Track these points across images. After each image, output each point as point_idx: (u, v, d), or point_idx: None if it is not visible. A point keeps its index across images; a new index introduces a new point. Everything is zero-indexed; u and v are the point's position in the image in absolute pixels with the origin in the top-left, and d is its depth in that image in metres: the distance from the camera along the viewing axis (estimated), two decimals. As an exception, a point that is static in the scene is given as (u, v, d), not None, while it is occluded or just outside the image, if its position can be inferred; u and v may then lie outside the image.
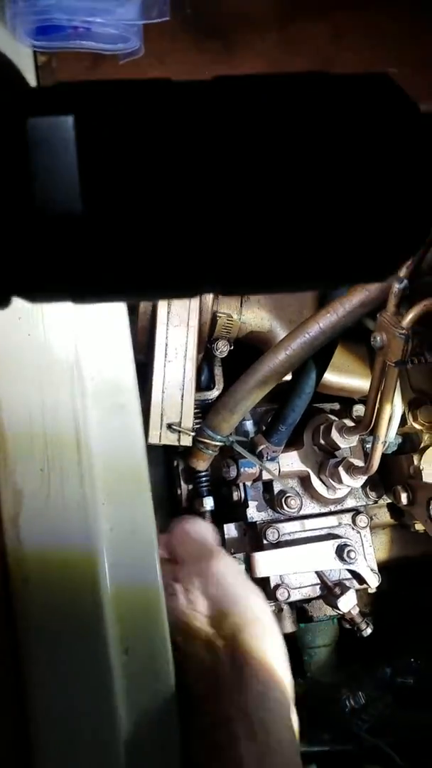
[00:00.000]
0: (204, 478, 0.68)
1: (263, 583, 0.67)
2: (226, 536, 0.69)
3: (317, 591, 0.69)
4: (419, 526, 0.70)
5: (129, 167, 0.19)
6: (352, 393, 0.66)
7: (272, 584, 0.67)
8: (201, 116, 0.19)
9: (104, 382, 0.42)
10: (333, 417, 0.67)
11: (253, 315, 0.63)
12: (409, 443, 0.67)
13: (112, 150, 0.18)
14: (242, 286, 0.21)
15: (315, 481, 0.67)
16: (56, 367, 0.41)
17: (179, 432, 0.54)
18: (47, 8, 0.35)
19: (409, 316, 0.45)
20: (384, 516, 0.76)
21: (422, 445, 0.65)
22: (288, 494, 0.67)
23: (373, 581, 0.69)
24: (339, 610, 0.68)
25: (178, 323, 0.54)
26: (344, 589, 0.67)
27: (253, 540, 0.69)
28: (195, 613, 0.42)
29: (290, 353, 0.52)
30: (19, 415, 0.40)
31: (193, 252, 0.19)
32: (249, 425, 0.68)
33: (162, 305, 0.54)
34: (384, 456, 0.61)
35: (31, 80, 0.45)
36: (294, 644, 0.77)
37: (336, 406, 0.71)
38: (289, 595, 0.67)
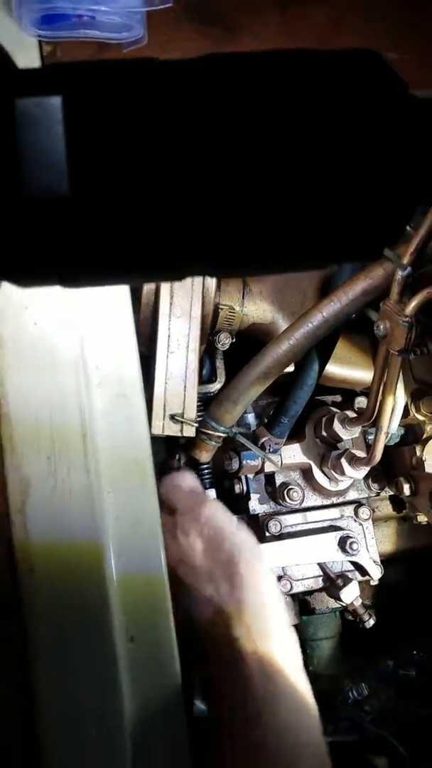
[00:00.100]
0: (206, 470, 0.68)
1: (266, 576, 0.67)
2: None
3: (320, 583, 0.69)
4: (421, 518, 0.70)
5: (117, 147, 0.18)
6: (354, 385, 0.66)
7: (275, 576, 0.67)
8: (188, 94, 0.19)
9: (109, 373, 0.42)
10: (335, 409, 0.67)
11: (255, 307, 0.63)
12: (412, 434, 0.67)
13: (100, 130, 0.18)
14: (230, 266, 0.21)
15: (317, 473, 0.67)
16: (62, 358, 0.41)
17: (182, 423, 0.54)
18: (52, -4, 0.35)
19: (413, 304, 0.46)
20: (386, 508, 0.76)
21: (425, 436, 0.65)
22: (290, 486, 0.67)
23: (376, 573, 0.69)
24: (342, 601, 0.68)
25: (180, 314, 0.54)
26: (347, 580, 0.68)
27: (255, 533, 0.69)
28: (194, 552, 0.48)
29: (293, 343, 0.52)
30: (26, 405, 0.40)
31: (181, 232, 0.19)
32: (251, 418, 0.68)
33: (164, 296, 0.54)
34: (386, 447, 0.61)
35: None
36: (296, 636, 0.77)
37: (338, 398, 0.71)
38: (291, 586, 0.67)
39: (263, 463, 0.65)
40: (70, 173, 0.18)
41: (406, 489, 0.65)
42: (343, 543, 0.68)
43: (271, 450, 0.64)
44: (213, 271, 0.22)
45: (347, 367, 0.64)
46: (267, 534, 0.67)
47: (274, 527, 0.67)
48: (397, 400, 0.57)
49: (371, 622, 0.70)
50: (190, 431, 0.55)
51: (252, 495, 0.68)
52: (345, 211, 0.20)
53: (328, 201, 0.19)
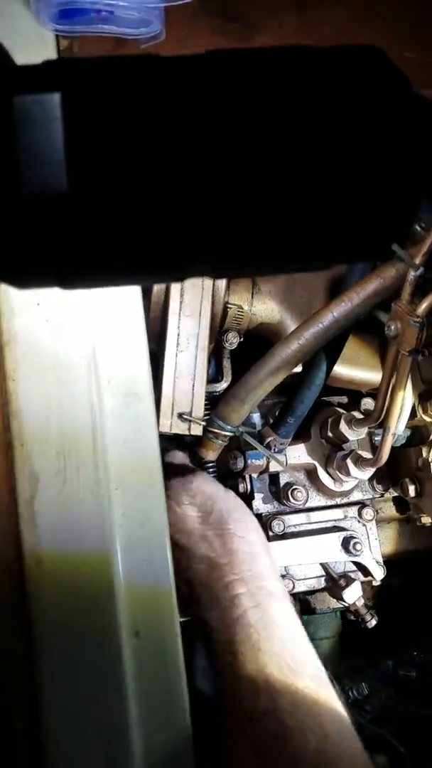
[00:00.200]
0: (211, 469, 0.68)
1: (269, 574, 0.67)
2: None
3: (322, 583, 0.69)
4: (425, 519, 0.70)
5: (116, 144, 0.18)
6: (361, 386, 0.66)
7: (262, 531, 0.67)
8: (189, 90, 0.19)
9: (119, 370, 0.42)
10: (341, 410, 0.67)
11: (263, 306, 0.63)
12: (418, 436, 0.67)
13: (99, 127, 0.18)
14: (233, 266, 0.21)
15: (322, 474, 0.67)
16: (73, 355, 0.41)
17: (190, 421, 0.54)
18: (71, -10, 0.35)
19: (424, 305, 0.45)
20: (389, 510, 0.76)
21: (431, 437, 0.65)
22: (295, 486, 0.67)
23: (379, 573, 0.69)
24: (344, 601, 0.68)
25: (190, 313, 0.54)
26: (349, 581, 0.68)
27: (258, 532, 0.69)
28: (188, 519, 0.52)
29: (303, 343, 0.52)
30: (37, 401, 0.40)
31: (182, 231, 0.19)
32: (256, 417, 0.68)
33: (175, 295, 0.54)
34: (392, 449, 0.61)
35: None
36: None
37: (344, 399, 0.71)
38: (294, 586, 0.67)
39: (268, 463, 0.65)
40: (69, 170, 0.18)
41: (412, 490, 0.65)
42: (346, 543, 0.68)
43: (276, 450, 0.64)
44: (215, 271, 0.21)
45: (355, 368, 0.64)
46: (270, 534, 0.67)
47: (277, 527, 0.67)
48: (404, 401, 0.57)
49: (373, 622, 0.70)
50: (197, 430, 0.55)
51: (256, 494, 0.68)
52: (348, 210, 0.19)
53: (331, 199, 0.19)
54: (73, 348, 0.41)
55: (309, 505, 0.69)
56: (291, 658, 0.44)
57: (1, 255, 0.19)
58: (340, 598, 0.68)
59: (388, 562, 0.73)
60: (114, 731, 0.41)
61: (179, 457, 0.59)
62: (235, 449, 0.65)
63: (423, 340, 0.47)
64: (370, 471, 0.64)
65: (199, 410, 0.54)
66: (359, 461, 0.63)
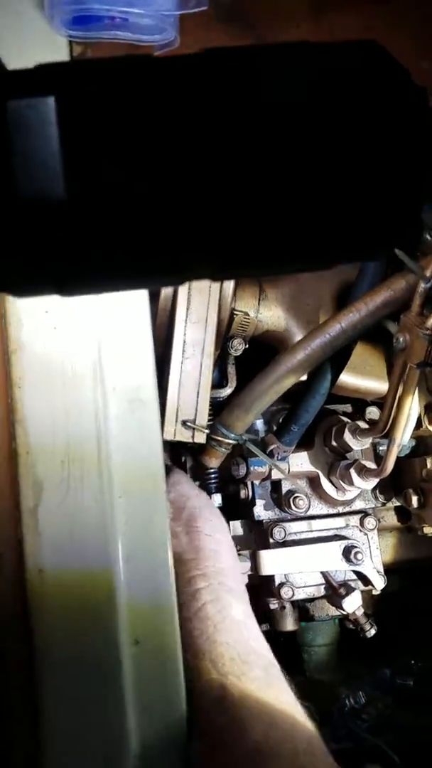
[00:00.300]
0: (212, 475, 0.68)
1: (268, 581, 0.67)
2: (231, 534, 0.69)
3: (322, 591, 0.69)
4: (427, 530, 0.70)
5: (113, 147, 0.18)
6: (366, 395, 0.66)
7: (276, 582, 0.67)
8: (186, 90, 0.18)
9: (125, 378, 0.42)
10: (345, 419, 0.67)
11: (270, 313, 0.62)
12: (423, 446, 0.67)
13: (94, 130, 0.18)
14: (233, 267, 0.20)
15: (324, 482, 0.67)
16: (79, 362, 0.40)
17: (194, 429, 0.54)
18: (86, -3, 0.35)
19: (434, 319, 0.45)
20: (391, 519, 0.76)
21: (435, 449, 0.65)
22: (296, 494, 0.67)
23: (379, 583, 0.69)
24: (344, 610, 0.68)
25: (196, 320, 0.54)
26: (349, 589, 0.68)
27: (259, 538, 0.69)
28: None
29: (309, 353, 0.51)
30: (42, 408, 0.39)
31: (181, 234, 0.19)
32: (259, 424, 0.68)
33: (181, 302, 0.54)
34: (396, 458, 0.61)
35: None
36: (294, 642, 0.78)
37: (348, 408, 0.71)
38: (293, 593, 0.67)
39: (270, 470, 0.65)
40: (66, 175, 0.18)
41: (415, 501, 0.65)
42: (347, 552, 0.67)
43: (279, 457, 0.64)
44: (216, 272, 0.21)
45: (361, 377, 0.64)
46: (271, 540, 0.67)
47: (278, 534, 0.67)
48: (411, 412, 0.57)
49: (372, 632, 0.70)
50: (201, 437, 0.55)
51: (257, 501, 0.68)
52: (350, 207, 0.19)
53: (333, 196, 0.19)
54: (79, 355, 0.41)
55: (311, 513, 0.69)
56: (244, 651, 0.45)
57: None
58: (339, 607, 0.68)
59: (388, 570, 0.73)
60: (112, 737, 0.41)
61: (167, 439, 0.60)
62: (238, 456, 0.65)
63: (431, 353, 0.46)
64: (374, 481, 0.63)
65: (203, 418, 0.54)
66: (363, 471, 0.62)
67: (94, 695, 0.41)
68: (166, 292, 0.54)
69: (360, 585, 0.69)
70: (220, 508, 0.70)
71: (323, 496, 0.68)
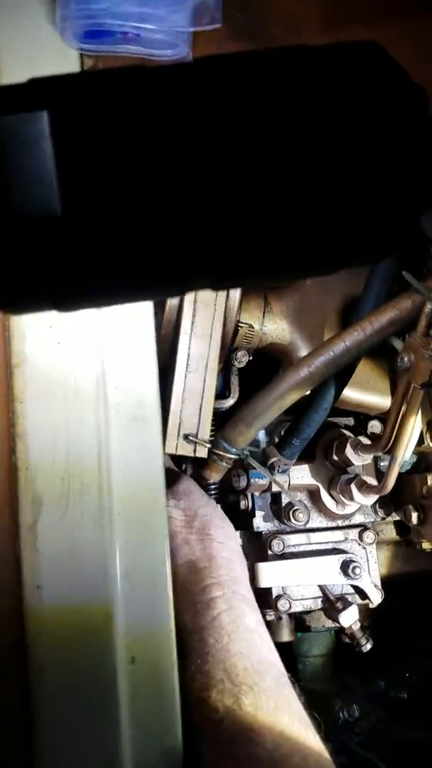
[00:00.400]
0: (212, 485, 0.67)
1: (265, 593, 0.67)
2: (234, 543, 0.69)
3: (318, 604, 0.69)
4: (426, 545, 0.69)
5: (109, 160, 0.18)
6: (369, 410, 0.66)
7: (274, 595, 0.67)
8: (181, 100, 0.18)
9: (128, 394, 0.42)
10: (347, 432, 0.66)
11: (274, 326, 0.62)
12: (424, 462, 0.66)
13: (90, 144, 0.18)
14: (232, 278, 0.20)
15: (324, 496, 0.67)
16: (82, 377, 0.40)
17: (195, 443, 0.53)
18: (98, 13, 0.34)
19: (441, 342, 0.45)
20: (390, 532, 0.76)
21: (437, 466, 0.64)
22: (296, 507, 0.67)
23: (376, 597, 0.69)
24: (340, 624, 0.67)
25: (201, 334, 0.54)
26: (346, 604, 0.67)
27: (257, 550, 0.69)
28: (171, 519, 0.53)
29: (313, 370, 0.51)
30: (44, 423, 0.39)
31: (181, 245, 0.18)
32: (261, 435, 0.67)
33: (187, 315, 0.53)
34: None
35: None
36: (290, 652, 0.77)
37: (350, 421, 0.71)
38: (290, 606, 0.67)
39: (271, 483, 0.65)
40: (61, 190, 0.17)
41: (414, 518, 0.65)
42: (345, 567, 0.67)
43: (280, 470, 0.64)
44: (216, 283, 0.21)
45: (364, 392, 0.63)
46: (269, 552, 0.67)
47: (277, 546, 0.67)
48: (413, 430, 0.56)
49: (368, 646, 0.70)
50: (202, 452, 0.54)
51: (257, 512, 0.68)
52: (349, 209, 0.19)
53: (336, 201, 0.19)
54: (82, 370, 0.41)
55: (310, 525, 0.68)
56: (257, 660, 0.45)
57: None
58: (336, 621, 0.68)
59: (385, 582, 0.73)
60: (107, 755, 0.41)
61: (166, 460, 0.61)
62: (239, 467, 0.65)
63: (436, 375, 0.46)
64: (374, 498, 0.63)
65: (206, 432, 0.54)
66: (363, 487, 0.62)
67: (90, 713, 0.41)
68: (171, 303, 0.54)
69: (357, 599, 0.69)
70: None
71: (323, 510, 0.68)
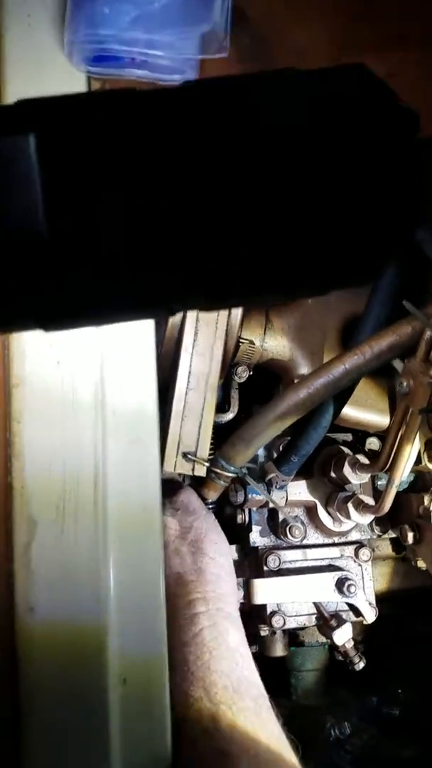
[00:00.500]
0: (210, 504, 0.67)
1: (260, 609, 0.67)
2: (227, 558, 0.69)
3: (313, 620, 0.69)
4: (421, 564, 0.69)
5: (95, 184, 0.18)
6: (368, 428, 0.66)
7: (268, 611, 0.67)
8: (169, 124, 0.18)
9: (126, 416, 0.42)
10: (345, 449, 0.66)
11: (275, 343, 0.62)
12: (421, 482, 0.66)
13: (76, 169, 0.18)
14: (222, 299, 0.20)
15: (321, 513, 0.67)
16: (81, 398, 0.40)
17: (194, 462, 0.53)
18: (106, 38, 0.34)
19: (440, 369, 0.45)
20: (386, 548, 0.76)
21: (434, 487, 0.64)
22: (293, 523, 0.66)
23: (370, 615, 0.69)
24: (334, 642, 0.67)
25: (202, 351, 0.54)
26: (341, 621, 0.67)
27: (253, 565, 0.69)
28: (166, 528, 0.54)
29: (312, 392, 0.51)
30: (40, 445, 0.39)
31: (169, 267, 0.18)
32: (260, 450, 0.67)
33: (188, 332, 0.53)
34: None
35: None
36: (283, 666, 0.77)
37: (348, 437, 0.71)
38: (284, 622, 0.67)
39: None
40: (47, 213, 0.17)
41: (410, 537, 0.65)
42: (340, 584, 0.67)
43: (278, 486, 0.64)
44: (207, 304, 0.21)
45: (363, 410, 0.63)
46: (265, 568, 0.67)
47: (272, 562, 0.67)
48: (411, 451, 0.56)
49: (361, 665, 0.70)
50: (201, 471, 0.54)
51: (254, 527, 0.68)
52: (338, 233, 0.19)
53: (331, 223, 0.19)
54: (81, 390, 0.41)
55: (306, 542, 0.68)
56: (237, 679, 0.45)
57: None
58: (329, 638, 0.68)
59: (380, 599, 0.73)
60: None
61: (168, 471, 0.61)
62: (237, 482, 0.64)
63: (435, 400, 0.46)
64: (370, 517, 0.63)
65: (205, 451, 0.54)
66: (360, 506, 0.62)
67: (80, 734, 0.40)
68: (174, 320, 0.54)
69: (351, 616, 0.69)
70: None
71: (319, 526, 0.68)
